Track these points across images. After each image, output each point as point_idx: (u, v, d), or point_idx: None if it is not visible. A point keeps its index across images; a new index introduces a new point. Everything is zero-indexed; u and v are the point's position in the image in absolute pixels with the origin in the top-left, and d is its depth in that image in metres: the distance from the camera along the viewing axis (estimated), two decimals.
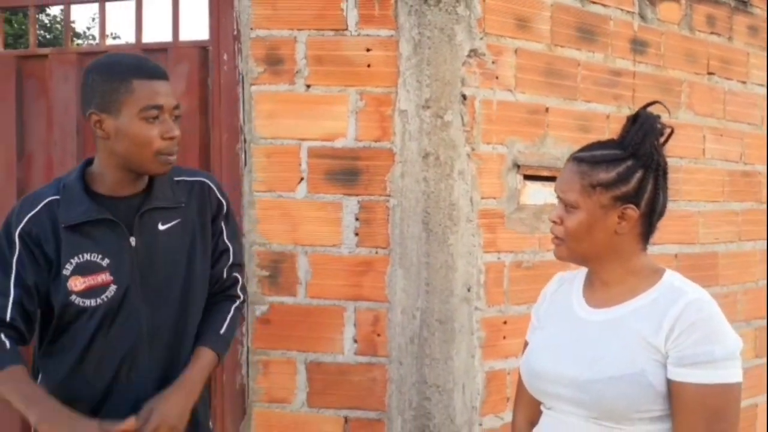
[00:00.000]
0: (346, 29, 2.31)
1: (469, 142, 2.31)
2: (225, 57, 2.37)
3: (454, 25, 2.26)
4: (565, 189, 1.46)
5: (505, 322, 2.42)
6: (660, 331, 1.36)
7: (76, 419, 1.57)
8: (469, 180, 2.31)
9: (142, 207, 1.70)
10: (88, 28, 11.72)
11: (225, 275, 1.86)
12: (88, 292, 1.65)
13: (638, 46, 2.78)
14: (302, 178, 2.34)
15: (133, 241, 1.68)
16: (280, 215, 2.35)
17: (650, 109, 1.47)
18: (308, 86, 2.33)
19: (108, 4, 2.56)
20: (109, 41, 11.34)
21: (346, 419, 2.34)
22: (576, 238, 1.45)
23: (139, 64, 1.67)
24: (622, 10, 2.72)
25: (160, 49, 2.50)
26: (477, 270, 2.34)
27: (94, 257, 1.65)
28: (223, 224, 1.84)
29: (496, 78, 2.37)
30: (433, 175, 2.26)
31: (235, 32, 2.36)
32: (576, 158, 1.48)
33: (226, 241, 1.86)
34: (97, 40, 2.64)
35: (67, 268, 1.64)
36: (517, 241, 2.45)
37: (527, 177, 2.47)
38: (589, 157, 1.46)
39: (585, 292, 1.52)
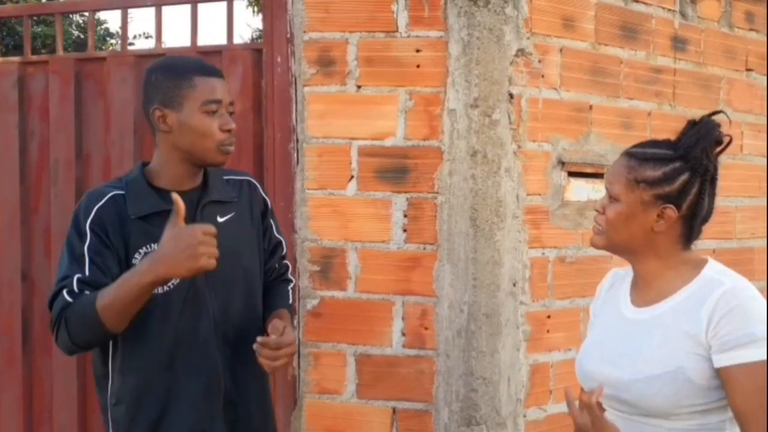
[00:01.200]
0: (397, 31, 2.37)
1: (515, 140, 2.37)
2: (278, 59, 2.44)
3: (502, 25, 2.32)
4: (612, 180, 1.53)
5: (549, 317, 2.48)
6: (699, 324, 1.41)
7: (172, 230, 1.63)
8: (515, 177, 2.37)
9: (202, 200, 1.80)
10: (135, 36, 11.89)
11: (279, 265, 2.02)
12: None
13: (679, 43, 2.82)
14: (352, 176, 2.41)
15: None
16: (331, 212, 2.43)
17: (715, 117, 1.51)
18: (359, 87, 2.40)
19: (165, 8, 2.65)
20: (145, 42, 11.61)
21: (394, 410, 2.41)
22: (614, 228, 1.50)
23: (198, 63, 1.82)
24: (663, 8, 2.76)
25: (215, 51, 2.59)
26: (522, 265, 2.40)
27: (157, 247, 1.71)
28: (271, 220, 1.98)
29: (542, 77, 2.43)
30: (480, 173, 2.32)
31: (289, 35, 2.44)
32: (628, 153, 1.54)
33: (277, 235, 2.00)
34: (153, 44, 2.73)
35: (136, 258, 1.73)
36: (561, 236, 2.50)
37: (571, 174, 2.52)
38: (639, 154, 1.52)
39: (632, 290, 1.58)
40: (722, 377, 1.40)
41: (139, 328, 1.74)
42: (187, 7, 2.62)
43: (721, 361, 1.39)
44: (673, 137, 1.55)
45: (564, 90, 2.50)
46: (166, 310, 1.74)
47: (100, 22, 11.58)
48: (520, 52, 2.37)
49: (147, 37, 11.81)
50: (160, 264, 1.60)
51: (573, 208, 2.53)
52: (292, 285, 2.05)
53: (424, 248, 2.37)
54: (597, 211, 1.56)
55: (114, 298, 1.63)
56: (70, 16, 10.00)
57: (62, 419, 2.74)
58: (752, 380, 1.37)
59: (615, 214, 1.50)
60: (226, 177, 1.90)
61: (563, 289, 2.51)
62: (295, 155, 2.45)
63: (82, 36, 11.58)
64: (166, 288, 1.73)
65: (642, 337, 1.49)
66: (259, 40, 2.61)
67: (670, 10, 2.78)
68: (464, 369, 2.35)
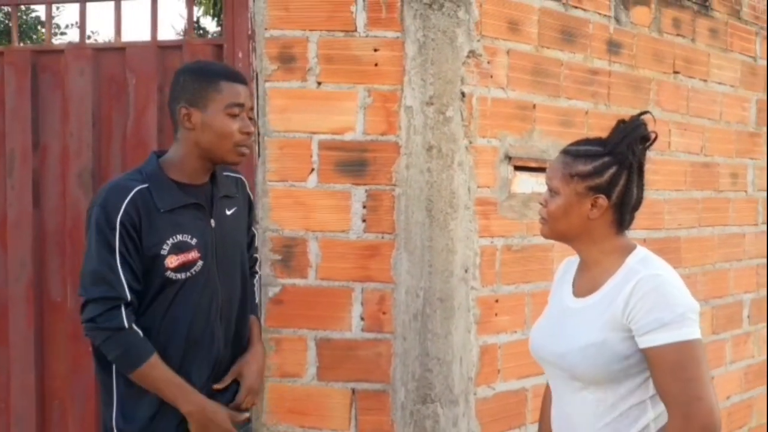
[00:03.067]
0: (355, 30, 2.49)
1: (467, 136, 2.52)
2: (239, 55, 2.53)
3: (455, 28, 2.46)
4: (551, 176, 1.72)
5: (497, 301, 2.65)
6: (617, 308, 1.60)
7: (218, 409, 1.92)
8: (467, 171, 2.52)
9: (215, 194, 1.98)
10: (67, 26, 11.55)
11: (252, 257, 2.23)
12: (181, 268, 1.90)
13: (613, 47, 3.03)
14: (313, 169, 2.52)
15: (212, 222, 1.96)
16: (292, 203, 2.53)
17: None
18: (319, 83, 2.50)
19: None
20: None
21: (353, 391, 2.53)
22: (555, 219, 1.69)
23: (225, 68, 2.02)
24: (599, 14, 2.96)
25: (175, 46, 2.65)
26: (473, 253, 2.56)
27: (185, 237, 1.90)
28: (251, 214, 2.21)
29: (491, 77, 2.59)
30: (435, 167, 2.47)
31: (250, 32, 2.52)
32: (564, 151, 1.73)
33: (253, 228, 2.24)
34: (112, 38, 2.76)
35: (164, 249, 1.88)
36: (507, 226, 2.67)
37: (517, 168, 2.70)
38: (573, 151, 1.71)
39: (576, 278, 1.78)
40: (645, 356, 1.59)
41: (153, 307, 1.90)
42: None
43: (640, 343, 1.58)
44: (606, 135, 1.73)
45: (510, 89, 2.67)
46: (188, 294, 1.91)
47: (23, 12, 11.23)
48: (471, 53, 2.53)
49: (77, 27, 11.52)
50: (194, 415, 1.88)
51: (519, 200, 2.71)
52: (257, 277, 2.25)
53: (382, 237, 2.50)
54: (541, 204, 1.74)
55: (158, 382, 1.86)
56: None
57: (20, 408, 2.75)
58: (665, 360, 1.55)
59: (555, 206, 1.69)
60: (224, 173, 2.05)
61: (510, 276, 2.68)
62: (257, 148, 2.53)
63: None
64: (188, 274, 1.90)
65: (577, 320, 1.69)
66: (193, 33, 2.62)
67: (605, 15, 2.99)
68: (420, 350, 2.49)
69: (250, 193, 2.18)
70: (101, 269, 1.83)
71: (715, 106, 3.53)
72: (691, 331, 1.56)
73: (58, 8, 9.95)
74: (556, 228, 1.70)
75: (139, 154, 2.65)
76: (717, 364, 3.49)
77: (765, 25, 3.80)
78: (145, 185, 1.88)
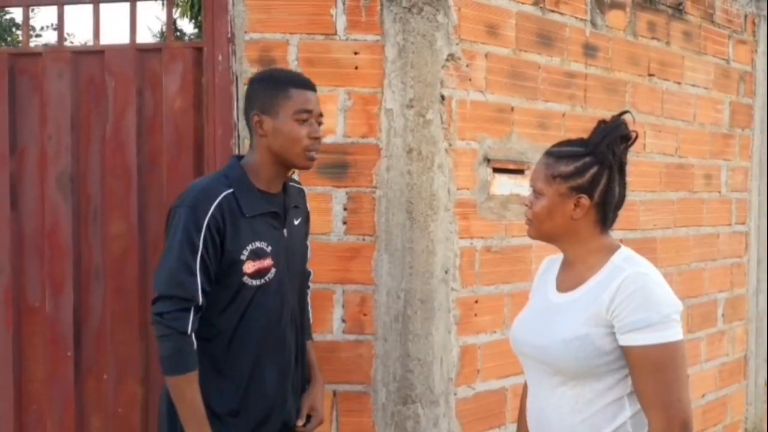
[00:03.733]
0: (335, 34, 2.50)
1: (446, 139, 2.54)
2: (219, 58, 2.53)
3: (434, 31, 2.49)
4: (535, 178, 1.74)
5: (476, 301, 2.68)
6: (602, 304, 1.62)
7: None
8: (447, 173, 2.54)
9: (287, 204, 2.05)
10: (42, 28, 11.41)
11: (308, 269, 2.26)
12: (256, 275, 1.95)
13: (589, 50, 3.07)
14: (294, 172, 2.52)
15: (285, 232, 2.03)
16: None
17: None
18: None
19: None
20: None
21: (334, 393, 2.55)
22: (540, 219, 1.72)
23: (295, 76, 2.06)
24: (576, 17, 3.00)
25: (155, 49, 2.64)
26: (453, 254, 2.58)
27: (262, 245, 1.95)
28: (307, 225, 2.22)
29: (470, 80, 2.61)
30: (415, 169, 2.49)
31: (229, 35, 2.52)
32: (547, 152, 1.76)
33: (307, 240, 2.24)
34: (89, 40, 2.75)
35: (243, 254, 1.92)
36: (487, 228, 2.70)
37: (496, 170, 2.72)
38: (556, 152, 1.74)
39: (560, 275, 1.79)
40: (624, 353, 1.61)
41: (237, 316, 1.96)
42: (123, 5, 2.66)
43: (623, 341, 1.60)
44: (586, 136, 1.76)
45: (489, 92, 2.69)
46: (262, 300, 1.96)
47: None
48: (450, 56, 2.55)
49: (54, 29, 11.40)
50: None
51: (497, 201, 2.74)
52: (309, 293, 2.27)
53: (363, 239, 2.52)
54: (526, 205, 1.76)
55: (180, 399, 1.89)
56: None
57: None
58: (647, 361, 1.57)
59: (540, 207, 1.71)
60: (289, 184, 2.11)
61: (489, 276, 2.71)
62: (237, 151, 2.53)
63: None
64: (263, 281, 1.95)
65: (560, 314, 1.70)
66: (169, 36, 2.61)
67: (582, 19, 3.03)
68: (401, 351, 2.51)
69: (308, 204, 2.22)
70: (180, 269, 1.86)
71: (689, 108, 3.58)
72: (675, 332, 1.58)
73: (33, 10, 9.85)
74: (542, 229, 1.73)
75: (118, 158, 2.65)
76: (692, 363, 3.55)
77: (738, 29, 3.87)
78: (231, 190, 1.93)
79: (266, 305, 1.97)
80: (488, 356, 2.71)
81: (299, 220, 2.11)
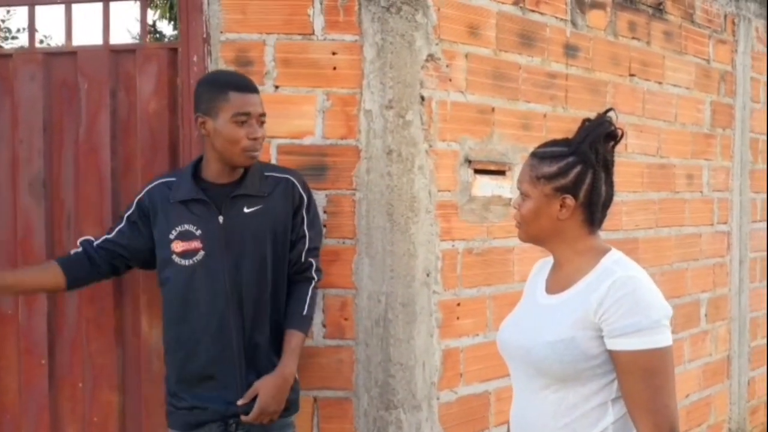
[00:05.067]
0: (313, 34, 2.46)
1: (427, 140, 2.51)
2: (194, 58, 2.48)
3: (413, 31, 2.45)
4: (521, 180, 1.71)
5: (458, 304, 2.64)
6: (589, 306, 1.59)
7: None
8: (427, 174, 2.51)
9: (232, 193, 2.17)
10: (19, 30, 11.27)
11: (303, 258, 2.27)
12: (184, 254, 2.16)
13: (570, 50, 3.05)
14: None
15: (221, 219, 2.16)
16: None
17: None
18: (277, 87, 2.47)
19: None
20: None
21: (315, 399, 2.50)
22: (527, 222, 1.69)
23: (235, 79, 2.18)
24: (556, 17, 2.98)
25: (129, 50, 2.59)
26: (435, 257, 2.55)
27: (190, 227, 2.16)
28: (304, 214, 2.26)
29: (450, 80, 2.58)
30: (396, 170, 2.45)
31: (205, 35, 2.48)
32: (531, 153, 1.73)
33: (305, 229, 2.27)
34: (63, 42, 2.69)
35: (172, 234, 2.17)
36: (468, 230, 2.67)
37: (477, 171, 2.70)
38: (540, 153, 1.71)
39: (549, 277, 1.76)
40: (612, 357, 1.58)
41: (165, 290, 2.22)
42: (98, 6, 2.60)
43: (612, 345, 1.57)
44: (568, 137, 1.73)
45: (469, 93, 2.66)
46: (187, 276, 2.16)
47: None
48: (430, 57, 2.52)
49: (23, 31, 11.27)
50: None
51: (479, 203, 2.71)
52: (314, 284, 2.29)
53: (344, 242, 2.48)
54: (514, 208, 1.73)
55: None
56: None
57: None
58: (636, 366, 1.54)
59: (526, 210, 1.69)
60: (267, 173, 2.24)
61: (471, 279, 2.68)
62: None
63: None
64: (191, 261, 2.15)
65: (547, 316, 1.67)
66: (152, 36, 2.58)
67: (562, 19, 3.01)
68: (382, 356, 2.47)
69: (303, 193, 2.25)
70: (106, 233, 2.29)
71: (671, 108, 3.58)
72: (664, 338, 1.55)
73: (8, 12, 9.71)
74: (530, 231, 1.70)
75: (92, 161, 2.59)
76: (676, 363, 3.51)
77: (718, 29, 3.88)
78: (172, 179, 2.23)
79: (198, 286, 2.15)
80: (471, 360, 2.68)
81: (256, 207, 2.18)
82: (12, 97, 2.63)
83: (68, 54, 2.61)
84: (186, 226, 2.16)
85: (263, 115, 2.15)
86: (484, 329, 2.72)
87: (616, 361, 1.57)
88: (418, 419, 2.50)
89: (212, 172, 2.19)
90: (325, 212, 2.48)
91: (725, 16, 3.92)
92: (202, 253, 2.15)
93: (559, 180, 1.64)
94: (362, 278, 2.47)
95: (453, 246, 2.62)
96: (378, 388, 2.48)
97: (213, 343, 2.16)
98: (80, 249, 2.24)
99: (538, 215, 1.67)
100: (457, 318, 2.64)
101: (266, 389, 2.14)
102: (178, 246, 2.16)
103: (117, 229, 2.25)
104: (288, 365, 2.19)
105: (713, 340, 3.92)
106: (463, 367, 2.66)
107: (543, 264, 1.84)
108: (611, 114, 1.68)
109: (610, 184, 1.69)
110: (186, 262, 2.16)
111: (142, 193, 2.25)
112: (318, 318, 2.49)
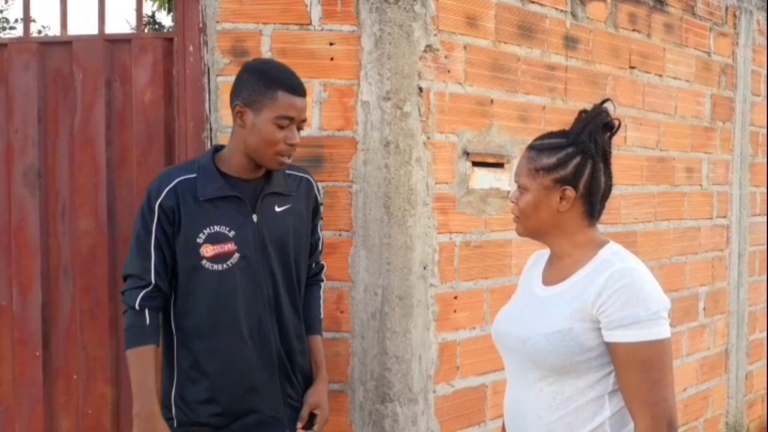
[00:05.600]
0: (310, 24, 2.44)
1: (425, 132, 2.49)
2: (190, 49, 2.45)
3: (411, 22, 2.43)
4: (519, 173, 1.69)
5: (455, 297, 2.63)
6: (588, 298, 1.57)
7: (163, 427, 1.96)
8: (425, 167, 2.49)
9: (264, 190, 2.03)
10: (17, 20, 11.18)
11: (315, 263, 2.24)
12: (216, 259, 1.96)
13: (570, 42, 3.03)
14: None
15: (255, 218, 2.00)
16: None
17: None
18: None
19: None
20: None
21: None
22: (526, 215, 1.67)
23: (288, 78, 2.00)
24: (556, 9, 2.96)
25: (124, 39, 2.56)
26: (432, 249, 2.53)
27: (222, 229, 1.97)
28: (318, 218, 2.22)
29: (448, 72, 2.56)
30: (393, 163, 2.43)
31: (201, 25, 2.45)
32: (529, 146, 1.71)
33: (319, 232, 2.23)
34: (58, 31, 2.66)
35: (200, 237, 1.96)
36: (466, 222, 2.65)
37: (475, 164, 2.68)
38: (538, 145, 1.68)
39: (546, 269, 1.75)
40: (610, 349, 1.57)
41: (192, 300, 2.01)
42: None
43: (610, 337, 1.55)
44: (565, 129, 1.71)
45: (468, 85, 2.64)
46: (230, 285, 1.98)
47: None
48: (428, 48, 2.49)
49: (32, 22, 11.20)
50: (140, 417, 1.97)
51: (477, 195, 2.69)
52: (323, 285, 2.27)
53: (340, 235, 2.46)
54: (512, 202, 1.71)
55: (132, 371, 1.98)
56: None
57: None
58: (635, 359, 1.52)
59: (525, 203, 1.66)
60: (288, 172, 2.12)
61: (468, 272, 2.66)
62: (209, 144, 2.47)
63: None
64: (225, 265, 1.97)
65: (544, 308, 1.66)
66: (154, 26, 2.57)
67: (562, 10, 2.98)
68: (378, 349, 2.46)
69: (318, 195, 2.19)
70: (137, 250, 1.98)
71: (671, 101, 3.56)
72: (663, 330, 1.54)
73: (7, 2, 9.66)
74: (529, 224, 1.68)
75: (87, 152, 2.58)
76: (674, 357, 3.51)
77: (719, 21, 3.85)
78: (193, 175, 1.98)
79: (234, 292, 1.98)
80: (468, 353, 2.67)
81: (285, 207, 2.07)
82: (6, 87, 2.61)
83: (63, 44, 2.59)
84: (216, 228, 1.96)
85: (304, 120, 2.02)
86: (481, 322, 2.71)
87: (614, 353, 1.55)
88: (414, 412, 2.49)
89: (237, 166, 2.00)
90: (321, 204, 2.45)
91: (726, 9, 3.89)
92: (237, 255, 1.97)
93: (558, 171, 1.62)
94: (359, 271, 2.46)
95: (450, 239, 2.60)
96: (374, 381, 2.47)
97: (255, 352, 2.01)
98: (149, 311, 1.98)
99: (538, 208, 1.65)
100: (454, 311, 2.63)
101: (324, 401, 2.13)
102: (208, 250, 1.95)
103: (153, 249, 1.97)
104: (326, 372, 2.18)
105: (711, 334, 3.91)
106: (460, 360, 2.65)
107: (539, 256, 1.82)
108: (608, 104, 1.66)
109: (608, 175, 1.67)
110: (219, 267, 1.96)
111: (163, 195, 1.96)
112: None
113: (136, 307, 1.96)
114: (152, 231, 1.95)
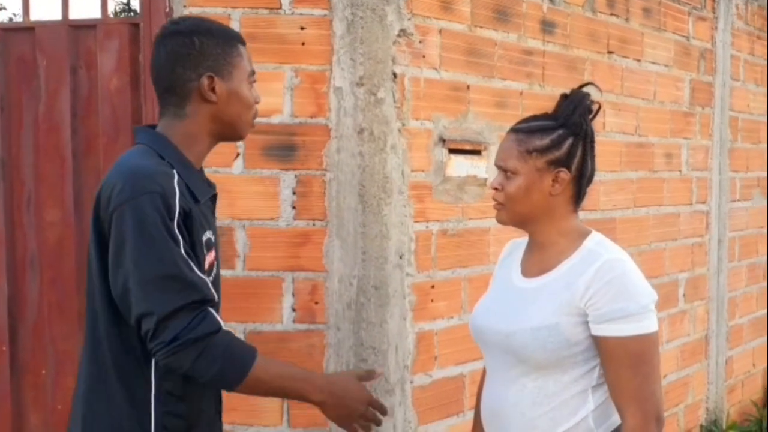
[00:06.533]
0: (280, 8, 2.37)
1: (399, 118, 2.44)
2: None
3: (384, 5, 2.37)
4: (504, 157, 1.63)
5: (432, 287, 2.59)
6: (576, 291, 1.53)
7: (346, 381, 1.72)
8: (400, 154, 2.44)
9: (212, 185, 1.73)
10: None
11: None
12: (208, 271, 1.60)
13: (547, 26, 2.98)
14: (238, 154, 2.40)
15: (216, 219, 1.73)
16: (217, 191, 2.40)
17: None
18: None
19: None
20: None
21: None
22: (515, 200, 1.61)
23: (233, 30, 1.74)
24: None
25: (89, 25, 2.49)
26: (408, 238, 2.49)
27: (211, 235, 1.63)
28: None
29: (423, 57, 2.51)
30: (367, 150, 2.38)
31: (168, 9, 2.38)
32: (514, 129, 1.65)
33: None
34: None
35: (202, 245, 1.58)
36: (443, 210, 2.61)
37: (452, 151, 2.63)
38: (525, 128, 1.64)
39: (524, 259, 1.70)
40: (598, 343, 1.53)
41: None
42: None
43: (598, 330, 1.52)
44: (548, 113, 1.67)
45: (443, 70, 2.59)
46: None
47: None
48: (402, 32, 2.44)
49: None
50: (331, 404, 1.65)
51: (454, 183, 2.64)
52: None
53: (314, 224, 2.41)
54: (495, 189, 1.64)
55: (271, 383, 1.57)
56: None
57: None
58: (625, 353, 1.49)
59: (515, 187, 1.60)
60: None
61: (446, 261, 2.62)
62: None
63: None
64: (211, 277, 1.60)
65: (528, 300, 1.61)
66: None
67: None
68: (354, 340, 2.41)
69: None
70: (175, 271, 1.46)
71: (649, 86, 3.53)
72: (651, 323, 1.52)
73: None
74: (517, 210, 1.62)
75: (52, 140, 2.51)
76: None
77: (697, 5, 3.82)
78: (176, 171, 1.55)
79: (220, 304, 1.65)
80: (445, 342, 2.63)
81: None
82: None
83: (26, 29, 2.52)
84: (209, 234, 1.61)
85: None
86: (459, 311, 2.67)
87: (603, 347, 1.52)
88: (391, 403, 2.44)
89: (197, 154, 1.65)
90: (294, 193, 2.40)
91: None
92: (215, 265, 1.66)
93: (553, 152, 1.58)
94: (333, 261, 2.41)
95: (427, 227, 2.56)
96: None
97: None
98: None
99: (529, 191, 1.60)
100: (432, 300, 2.59)
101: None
102: (207, 260, 1.60)
103: (190, 260, 1.51)
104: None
105: (691, 320, 3.90)
106: (438, 350, 2.61)
107: (514, 245, 1.78)
108: (590, 88, 1.63)
109: (593, 159, 1.65)
110: (209, 279, 1.57)
111: (177, 197, 1.50)
112: (288, 302, 2.43)
113: (221, 327, 1.52)
114: (179, 239, 1.49)
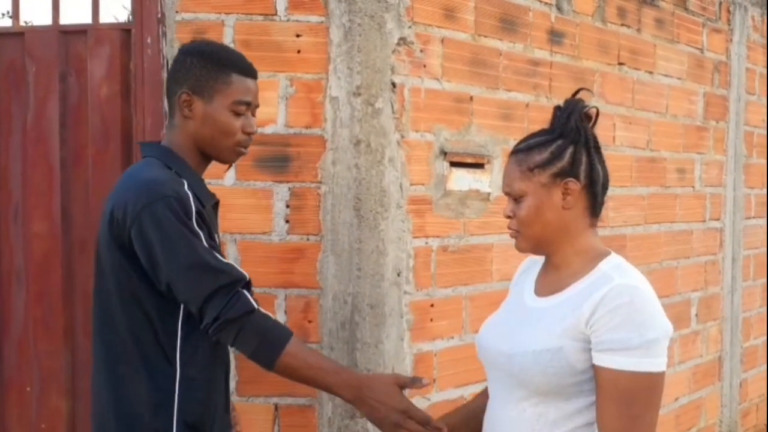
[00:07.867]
0: (275, 14, 2.30)
1: (398, 130, 2.35)
2: (149, 40, 2.32)
3: (383, 12, 2.29)
4: (509, 182, 1.55)
5: (432, 305, 2.49)
6: (582, 314, 1.43)
7: (379, 383, 1.71)
8: (399, 167, 2.35)
9: (212, 194, 1.82)
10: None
11: None
12: None
13: (555, 37, 2.89)
14: (230, 165, 2.32)
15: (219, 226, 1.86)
16: None
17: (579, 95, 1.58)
18: None
19: None
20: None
21: (276, 406, 2.35)
22: (528, 224, 1.52)
23: (240, 59, 1.79)
24: (540, 1, 2.82)
25: (79, 31, 2.43)
26: (406, 255, 2.39)
27: (216, 239, 1.74)
28: None
29: (424, 66, 2.42)
30: (364, 162, 2.29)
31: (159, 15, 2.31)
32: (513, 151, 1.58)
33: None
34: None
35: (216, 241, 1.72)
36: (443, 226, 2.51)
37: (453, 164, 2.53)
38: (523, 147, 1.56)
39: (539, 278, 1.61)
40: (594, 372, 1.43)
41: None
42: None
43: (596, 359, 1.41)
44: (546, 128, 1.59)
45: (445, 80, 2.50)
46: None
47: None
48: (402, 40, 2.35)
49: (8, 17, 10.99)
50: (362, 403, 1.68)
51: (455, 197, 2.55)
52: None
53: (308, 239, 2.32)
54: (508, 217, 1.57)
55: (304, 367, 1.67)
56: None
57: None
58: (615, 388, 1.38)
59: (526, 210, 1.52)
60: None
61: (446, 278, 2.52)
62: None
63: None
64: None
65: (534, 321, 1.52)
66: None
67: (546, 3, 2.84)
68: (348, 361, 2.31)
69: None
70: (203, 258, 1.60)
71: (662, 99, 3.43)
72: (655, 362, 1.39)
73: None
74: (532, 234, 1.53)
75: (40, 150, 2.45)
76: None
77: (712, 17, 3.72)
78: (182, 179, 1.68)
79: None
80: (445, 364, 2.52)
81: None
82: None
83: (15, 35, 2.46)
84: (216, 240, 1.74)
85: (258, 106, 1.81)
86: (460, 331, 2.57)
87: (597, 376, 1.41)
88: None
89: (195, 164, 1.78)
90: (287, 206, 2.32)
91: (720, 4, 3.77)
92: None
93: (555, 164, 1.50)
94: (327, 277, 2.31)
95: (426, 243, 2.46)
96: None
97: (225, 380, 1.88)
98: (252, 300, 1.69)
99: (540, 211, 1.51)
100: (431, 320, 2.49)
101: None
102: None
103: (213, 250, 1.66)
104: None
105: (704, 341, 3.78)
106: (437, 372, 2.51)
107: (532, 262, 1.68)
108: (583, 93, 1.56)
109: (603, 164, 1.56)
110: None
111: (191, 199, 1.64)
112: (280, 320, 2.33)
113: (256, 308, 1.65)
114: (200, 234, 1.62)
